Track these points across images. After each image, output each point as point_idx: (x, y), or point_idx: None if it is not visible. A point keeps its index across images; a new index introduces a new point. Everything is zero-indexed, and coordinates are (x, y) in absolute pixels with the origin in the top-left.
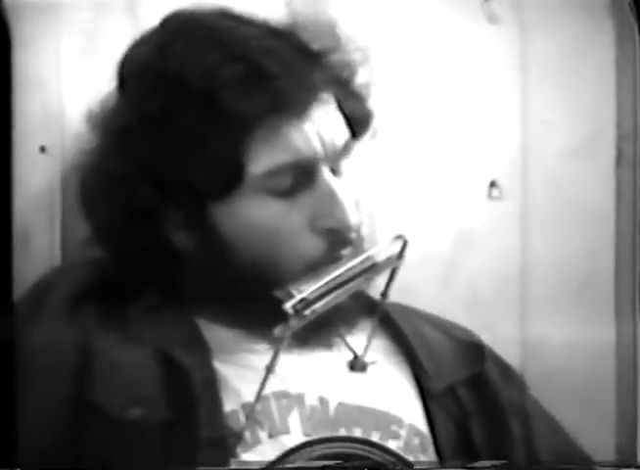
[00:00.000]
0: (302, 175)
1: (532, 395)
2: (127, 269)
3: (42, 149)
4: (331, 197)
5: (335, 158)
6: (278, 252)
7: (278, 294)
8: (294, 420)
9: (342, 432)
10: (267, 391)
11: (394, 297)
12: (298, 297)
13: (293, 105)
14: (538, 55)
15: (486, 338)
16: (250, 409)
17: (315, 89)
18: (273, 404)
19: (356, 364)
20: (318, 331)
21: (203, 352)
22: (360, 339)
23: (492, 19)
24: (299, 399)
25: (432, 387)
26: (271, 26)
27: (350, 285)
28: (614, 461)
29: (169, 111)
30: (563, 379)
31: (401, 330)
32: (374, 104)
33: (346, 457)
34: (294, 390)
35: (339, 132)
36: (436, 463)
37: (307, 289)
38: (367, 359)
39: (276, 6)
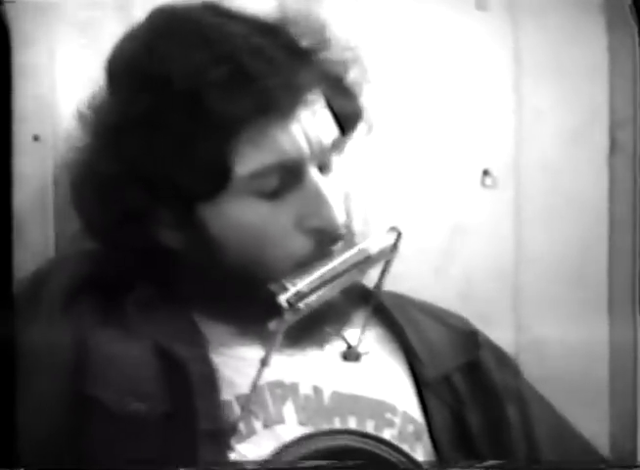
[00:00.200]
0: (289, 176)
1: (527, 379)
2: (121, 264)
3: (35, 138)
4: (318, 196)
5: (322, 156)
6: (266, 251)
7: (272, 287)
8: (288, 410)
9: (337, 421)
10: (261, 381)
11: (388, 284)
12: (293, 290)
13: (279, 106)
14: (530, 42)
15: (480, 327)
16: (244, 400)
17: (302, 89)
18: (267, 394)
19: (350, 355)
20: (310, 330)
21: (200, 344)
22: (354, 329)
23: (481, 5)
24: (294, 389)
25: (426, 375)
26: (259, 22)
27: (344, 278)
28: (614, 462)
29: (156, 111)
30: (557, 367)
31: (395, 318)
32: (367, 95)
33: (342, 450)
34: (288, 380)
35: (326, 131)
36: (440, 462)
37: (301, 282)
38: (361, 350)
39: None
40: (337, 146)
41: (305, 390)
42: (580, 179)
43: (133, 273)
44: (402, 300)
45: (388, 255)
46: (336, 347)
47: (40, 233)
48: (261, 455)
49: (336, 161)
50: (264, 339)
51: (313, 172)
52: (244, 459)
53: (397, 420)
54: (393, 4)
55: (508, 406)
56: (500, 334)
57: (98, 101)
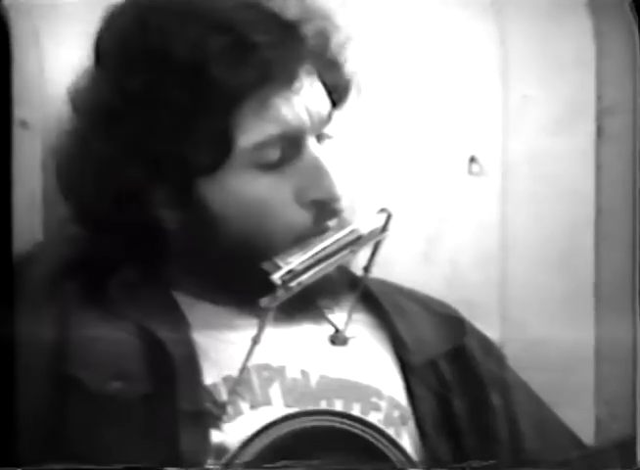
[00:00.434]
0: (290, 147)
1: (512, 367)
2: (108, 246)
3: (23, 124)
4: (318, 168)
5: (321, 128)
6: (266, 225)
7: (265, 266)
8: (275, 392)
9: (324, 404)
10: (249, 363)
11: (375, 271)
12: (286, 268)
13: (280, 76)
14: (517, 30)
15: (467, 313)
16: (232, 381)
17: (300, 59)
18: (254, 376)
19: (337, 338)
20: (303, 304)
21: (182, 326)
22: (341, 313)
23: None
24: (281, 372)
25: (412, 360)
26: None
27: (336, 257)
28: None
29: (154, 86)
30: (542, 353)
31: (382, 304)
32: (350, 72)
33: (326, 431)
34: (275, 362)
35: (323, 102)
36: (428, 463)
37: (294, 261)
38: (348, 334)
39: None
40: (332, 118)
41: (292, 373)
42: (567, 167)
43: (120, 256)
44: (389, 286)
45: (378, 236)
46: (323, 330)
47: (28, 219)
48: (246, 435)
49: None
50: (255, 316)
51: (313, 144)
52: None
53: (383, 404)
54: None
55: (492, 393)
56: (486, 321)
57: (88, 80)
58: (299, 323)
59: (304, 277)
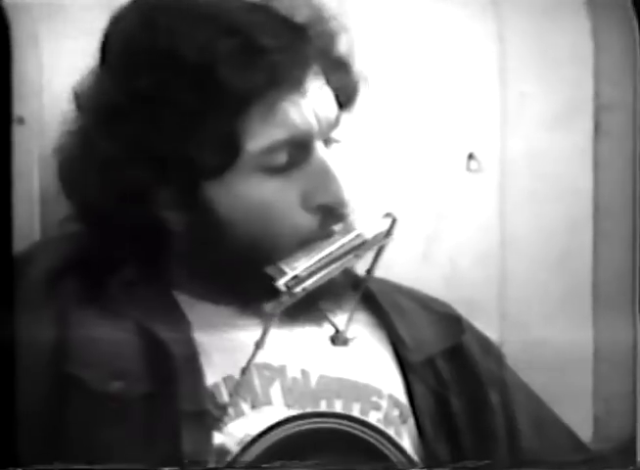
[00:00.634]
0: (298, 151)
1: (510, 366)
2: (109, 245)
3: (20, 120)
4: (325, 172)
5: (328, 132)
6: (272, 229)
7: (269, 271)
8: (275, 392)
9: (324, 404)
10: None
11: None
12: (291, 274)
13: (289, 79)
14: (514, 26)
15: (466, 312)
16: (233, 383)
17: (309, 63)
18: (255, 376)
19: (338, 339)
20: (307, 306)
21: (183, 326)
22: (342, 314)
23: None
24: (281, 371)
25: (411, 358)
26: (250, 2)
27: (340, 262)
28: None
29: (162, 87)
30: (541, 352)
31: (381, 304)
32: (359, 74)
33: (327, 432)
34: (275, 362)
35: (331, 106)
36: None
37: (299, 266)
38: (349, 334)
39: None
40: (339, 121)
41: (293, 372)
42: (565, 164)
43: (122, 255)
44: (388, 285)
45: (382, 240)
46: (323, 331)
47: (26, 217)
48: (248, 435)
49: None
50: (259, 318)
51: (320, 148)
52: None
53: (383, 403)
54: None
55: (491, 392)
56: (485, 319)
57: (94, 80)
58: (302, 325)
59: (309, 283)
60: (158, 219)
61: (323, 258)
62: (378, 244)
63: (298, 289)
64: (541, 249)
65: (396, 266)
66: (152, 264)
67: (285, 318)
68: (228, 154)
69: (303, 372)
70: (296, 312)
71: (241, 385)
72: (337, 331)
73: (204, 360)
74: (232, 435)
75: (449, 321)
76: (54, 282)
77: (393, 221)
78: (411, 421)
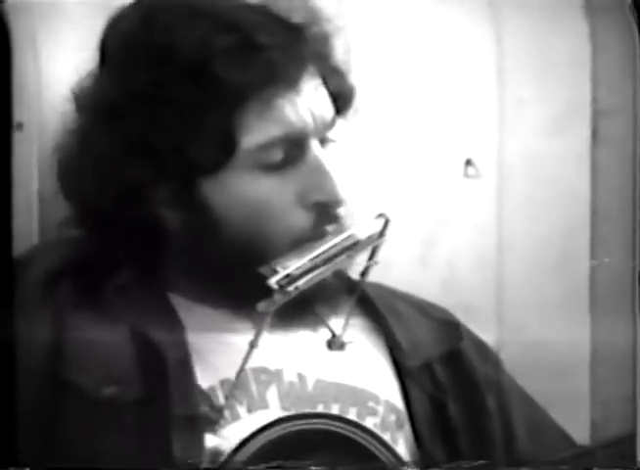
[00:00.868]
0: (293, 149)
1: (508, 371)
2: (105, 248)
3: (19, 126)
4: (321, 170)
5: (324, 131)
6: (267, 227)
7: (262, 270)
8: (272, 396)
9: (321, 408)
10: (246, 367)
11: (372, 276)
12: (283, 273)
13: (285, 77)
14: (513, 31)
15: (463, 316)
16: (229, 385)
17: (305, 61)
18: (252, 380)
19: (335, 343)
20: (301, 311)
21: (177, 330)
22: (338, 318)
23: None
24: (278, 375)
25: (408, 363)
26: (248, 2)
27: (333, 262)
28: (611, 463)
29: (158, 83)
30: (539, 356)
31: (378, 308)
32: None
33: (322, 434)
34: (272, 366)
35: (327, 106)
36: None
37: (291, 265)
38: (345, 338)
39: None
40: (335, 123)
41: (289, 376)
42: (563, 169)
43: (119, 257)
44: (385, 290)
45: (375, 241)
46: (319, 335)
47: (24, 222)
48: (242, 437)
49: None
50: (255, 318)
51: (316, 146)
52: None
53: (380, 409)
54: None
55: (488, 397)
56: (482, 323)
57: (92, 79)
58: (297, 329)
59: (301, 282)
60: (155, 218)
61: (316, 257)
62: (371, 244)
63: (291, 288)
64: (539, 253)
65: (394, 270)
66: (148, 266)
67: (280, 322)
68: (224, 150)
69: (300, 376)
70: (291, 317)
71: (236, 386)
72: (333, 335)
73: (200, 363)
74: (228, 439)
75: (447, 327)
76: (51, 285)
77: (386, 222)
78: (407, 427)
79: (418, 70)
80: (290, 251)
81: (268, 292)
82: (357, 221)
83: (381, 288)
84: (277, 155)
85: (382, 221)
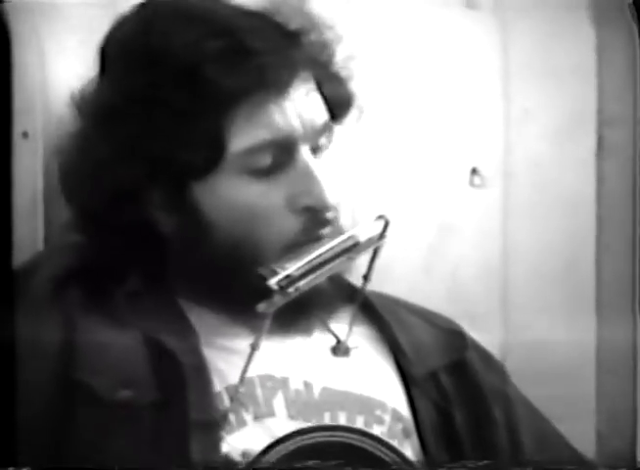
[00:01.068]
0: (282, 154)
1: (513, 381)
2: (109, 252)
3: (24, 134)
4: (309, 175)
5: (314, 137)
6: (257, 231)
7: (261, 271)
8: (278, 403)
9: (327, 416)
10: (252, 374)
11: (376, 283)
12: (283, 273)
13: (274, 82)
14: (519, 41)
15: (468, 325)
16: (234, 390)
17: (296, 67)
18: (258, 387)
19: (339, 349)
20: (297, 317)
21: (190, 336)
22: (342, 325)
23: (472, 4)
24: (284, 383)
25: (413, 372)
26: (247, 8)
27: (333, 264)
28: (612, 463)
29: (151, 87)
30: (544, 367)
31: (382, 316)
32: (356, 88)
33: (333, 446)
34: (278, 373)
35: (318, 112)
36: (425, 463)
37: (291, 266)
38: (350, 344)
39: None
40: (327, 129)
41: (296, 384)
42: (568, 177)
43: (122, 262)
44: (389, 299)
45: (376, 243)
46: (325, 343)
47: (29, 230)
48: (251, 448)
49: (326, 147)
50: (254, 323)
51: (305, 152)
52: (239, 460)
53: (387, 417)
54: (382, 2)
55: (493, 407)
56: (488, 332)
57: (92, 83)
58: (294, 337)
59: (302, 283)
60: (150, 221)
61: (315, 258)
62: (371, 246)
63: (291, 289)
64: (544, 261)
65: (399, 280)
66: (151, 269)
67: (277, 329)
68: (212, 153)
69: (306, 384)
70: (287, 324)
71: (240, 388)
72: (338, 341)
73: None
74: (234, 446)
75: (452, 336)
76: (58, 290)
77: (387, 223)
78: (414, 436)
79: (424, 79)
80: (281, 255)
81: (264, 295)
82: (359, 225)
83: (384, 297)
84: (266, 159)
85: (382, 223)
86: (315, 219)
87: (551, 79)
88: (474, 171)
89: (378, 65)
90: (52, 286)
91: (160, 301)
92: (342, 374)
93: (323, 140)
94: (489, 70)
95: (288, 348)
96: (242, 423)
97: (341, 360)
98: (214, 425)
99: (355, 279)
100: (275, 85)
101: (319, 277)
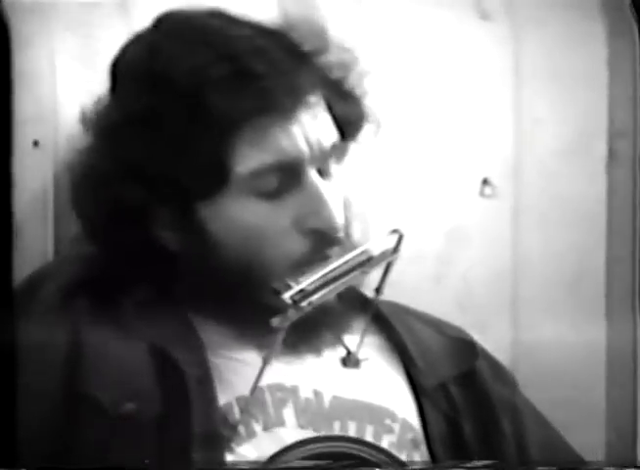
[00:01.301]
0: (288, 176)
1: (522, 392)
2: (118, 265)
3: (35, 143)
4: (317, 197)
5: (322, 159)
6: (264, 252)
7: (275, 285)
8: (288, 413)
9: (337, 425)
10: (262, 383)
11: (386, 292)
12: (297, 288)
13: (279, 106)
14: (531, 52)
15: (478, 335)
16: (245, 402)
17: (303, 91)
18: (268, 397)
19: (349, 361)
20: (308, 335)
21: (197, 348)
22: (353, 336)
23: (485, 15)
24: (294, 392)
25: (424, 382)
26: (262, 27)
27: (346, 278)
28: (612, 460)
29: (156, 109)
30: (554, 377)
31: (393, 326)
32: (368, 102)
33: (339, 456)
34: (288, 383)
35: (326, 134)
36: (429, 463)
37: (305, 280)
38: (360, 356)
39: (269, 7)
40: (337, 151)
41: (306, 393)
42: (579, 188)
43: (130, 275)
44: (400, 308)
45: (389, 257)
46: (335, 352)
47: (40, 239)
48: (260, 458)
49: (336, 167)
50: (263, 338)
51: (313, 174)
52: (239, 460)
53: (396, 427)
54: (395, 13)
55: (502, 417)
56: (498, 341)
57: (102, 103)
58: (306, 355)
59: (315, 297)
60: (156, 239)
61: (329, 272)
62: (385, 260)
63: (305, 303)
64: (554, 273)
65: (410, 290)
66: (159, 283)
67: (288, 351)
68: (216, 176)
69: (316, 393)
70: (297, 341)
71: (251, 402)
72: (348, 352)
73: (216, 380)
74: (244, 457)
75: (463, 346)
76: (67, 300)
77: (400, 237)
78: (423, 447)
79: (435, 90)
80: (288, 274)
81: (273, 311)
82: (373, 239)
83: (395, 306)
84: (272, 182)
85: (395, 237)
86: (323, 240)
87: (562, 90)
88: (485, 182)
89: (390, 76)
90: (61, 296)
91: (168, 312)
92: (353, 383)
93: (331, 161)
94: (501, 81)
95: (297, 357)
96: (251, 433)
97: (351, 370)
98: (218, 438)
99: (368, 291)
100: (279, 109)
101: (332, 291)
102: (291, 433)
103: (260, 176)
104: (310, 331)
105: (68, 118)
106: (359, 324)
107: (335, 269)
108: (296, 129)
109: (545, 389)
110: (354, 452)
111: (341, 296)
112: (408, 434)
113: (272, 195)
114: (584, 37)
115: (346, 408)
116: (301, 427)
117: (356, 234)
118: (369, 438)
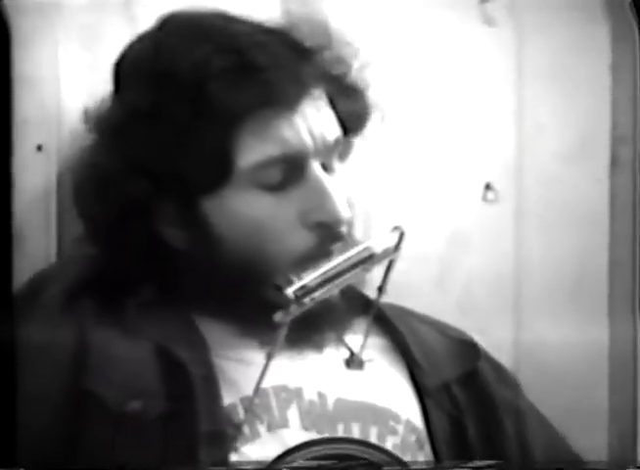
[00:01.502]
0: (292, 169)
1: (524, 393)
2: (121, 265)
3: (39, 147)
4: (321, 191)
5: (326, 153)
6: (268, 246)
7: (278, 281)
8: (292, 414)
9: (341, 427)
10: (266, 384)
11: (389, 297)
12: (299, 283)
13: (282, 98)
14: (534, 57)
15: (480, 339)
16: (249, 402)
17: (306, 83)
18: (272, 398)
19: (353, 362)
20: (310, 333)
21: (200, 347)
22: (356, 337)
23: (489, 20)
24: (298, 394)
25: (427, 383)
26: (265, 26)
27: (348, 275)
28: (613, 462)
29: (160, 104)
30: (556, 380)
31: (396, 327)
32: (371, 101)
33: (343, 458)
34: (292, 384)
35: (330, 128)
36: (432, 463)
37: (307, 276)
38: (364, 357)
39: (271, 6)
40: (339, 145)
41: (310, 395)
42: (581, 193)
43: (134, 274)
44: (403, 311)
45: (391, 254)
46: (339, 354)
47: (43, 241)
48: (264, 458)
49: (339, 166)
50: (265, 335)
51: (316, 167)
52: (242, 460)
53: (400, 428)
54: (398, 17)
55: (505, 418)
56: (499, 346)
57: (105, 102)
58: (307, 352)
59: (317, 293)
60: (160, 236)
61: (331, 269)
62: (387, 257)
63: (307, 299)
64: (556, 277)
65: (411, 293)
66: (163, 282)
67: (295, 345)
68: (220, 168)
69: (320, 395)
70: (305, 340)
71: (255, 399)
72: (352, 354)
73: (220, 381)
74: (248, 457)
75: (465, 346)
76: (71, 301)
77: (402, 235)
78: (427, 448)
79: (438, 94)
80: (292, 269)
81: (275, 307)
82: (374, 236)
83: (397, 308)
84: (276, 175)
85: (397, 234)
86: (327, 234)
87: (565, 95)
88: (487, 187)
89: (393, 80)
90: (65, 296)
91: (172, 311)
92: (356, 385)
93: (335, 156)
94: (504, 86)
95: (302, 358)
96: (255, 434)
97: (354, 371)
98: (223, 437)
99: (370, 291)
100: (282, 101)
101: (334, 288)
102: (295, 434)
103: (264, 169)
104: (312, 328)
105: (70, 120)
106: (362, 325)
107: (337, 266)
108: (299, 121)
109: (547, 390)
110: (358, 454)
111: (343, 294)
112: (412, 435)
113: (276, 188)
114: (587, 42)
115: (350, 410)
116: (305, 428)
117: (358, 236)
118: (373, 439)
